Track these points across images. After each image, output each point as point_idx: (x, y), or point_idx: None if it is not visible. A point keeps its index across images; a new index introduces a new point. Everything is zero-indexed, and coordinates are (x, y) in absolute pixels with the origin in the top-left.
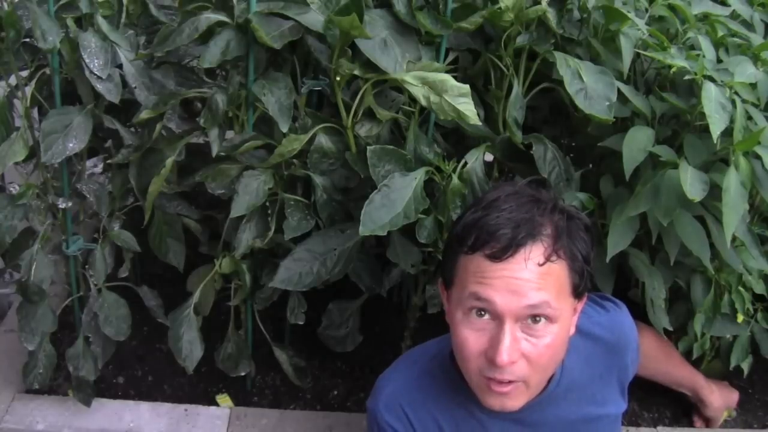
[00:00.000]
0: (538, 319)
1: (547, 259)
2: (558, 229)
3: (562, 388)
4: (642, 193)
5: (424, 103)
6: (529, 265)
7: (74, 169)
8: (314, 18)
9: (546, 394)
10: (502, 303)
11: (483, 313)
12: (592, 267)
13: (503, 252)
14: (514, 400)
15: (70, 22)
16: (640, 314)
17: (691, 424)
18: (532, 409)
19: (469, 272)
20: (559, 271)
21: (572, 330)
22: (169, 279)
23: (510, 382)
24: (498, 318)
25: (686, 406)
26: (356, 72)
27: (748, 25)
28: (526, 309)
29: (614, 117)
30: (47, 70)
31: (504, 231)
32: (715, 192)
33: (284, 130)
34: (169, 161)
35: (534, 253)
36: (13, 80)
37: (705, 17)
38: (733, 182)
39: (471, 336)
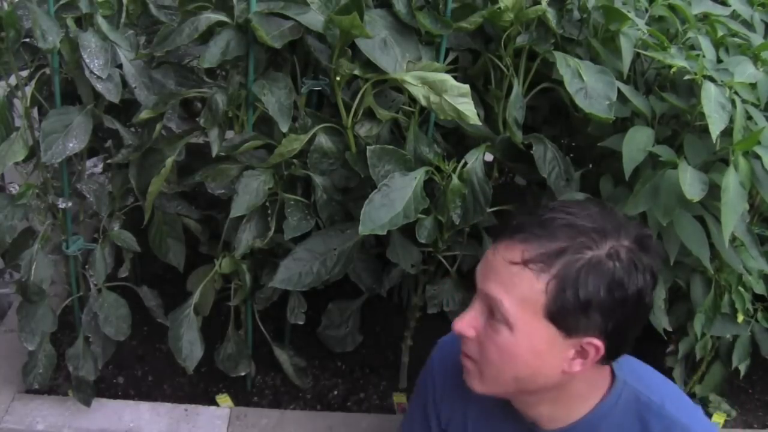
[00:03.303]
0: (495, 314)
1: (523, 263)
2: (568, 251)
3: None
4: (641, 192)
5: (424, 103)
6: (503, 256)
7: (74, 169)
8: (314, 18)
9: (584, 420)
10: (477, 280)
11: None
12: (609, 319)
13: (498, 235)
14: (471, 380)
15: (70, 22)
16: None
17: None
18: None
19: None
20: (534, 284)
21: (574, 368)
22: (169, 279)
23: (467, 358)
24: (478, 294)
25: None
26: (356, 72)
27: (748, 25)
28: (485, 296)
29: (614, 117)
30: (47, 70)
31: (519, 220)
32: (714, 192)
33: (284, 130)
34: (169, 161)
35: (514, 249)
36: (13, 80)
37: (705, 17)
38: (732, 182)
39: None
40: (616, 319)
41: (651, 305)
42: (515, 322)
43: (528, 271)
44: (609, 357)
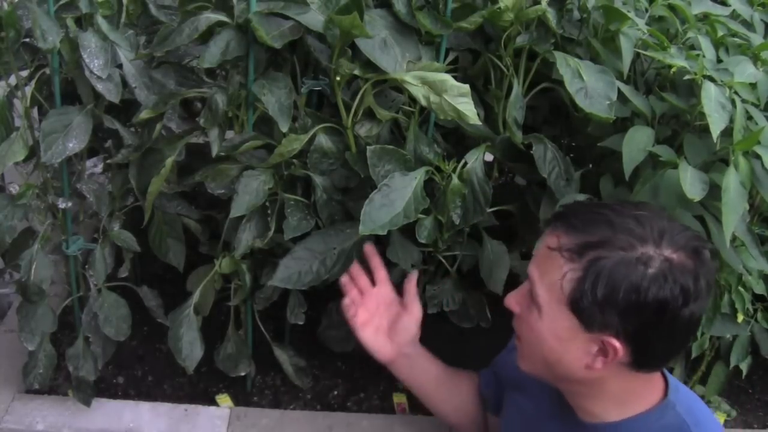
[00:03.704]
0: (534, 296)
1: (557, 249)
2: (604, 246)
3: None
4: (640, 192)
5: (424, 103)
6: (545, 241)
7: (74, 169)
8: (314, 18)
9: (624, 423)
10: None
11: None
12: (627, 323)
13: (548, 221)
14: (518, 356)
15: (70, 22)
16: None
17: None
18: None
19: None
20: (565, 272)
21: (596, 365)
22: (169, 279)
23: (516, 336)
24: None
25: None
26: (356, 72)
27: (748, 25)
28: (529, 276)
29: (614, 117)
30: (47, 70)
31: (573, 209)
32: (714, 192)
33: (284, 130)
34: (169, 161)
35: (555, 236)
36: (13, 80)
37: (705, 17)
38: (732, 182)
39: None
40: (633, 325)
41: (686, 321)
42: (543, 305)
43: (560, 258)
44: (638, 365)
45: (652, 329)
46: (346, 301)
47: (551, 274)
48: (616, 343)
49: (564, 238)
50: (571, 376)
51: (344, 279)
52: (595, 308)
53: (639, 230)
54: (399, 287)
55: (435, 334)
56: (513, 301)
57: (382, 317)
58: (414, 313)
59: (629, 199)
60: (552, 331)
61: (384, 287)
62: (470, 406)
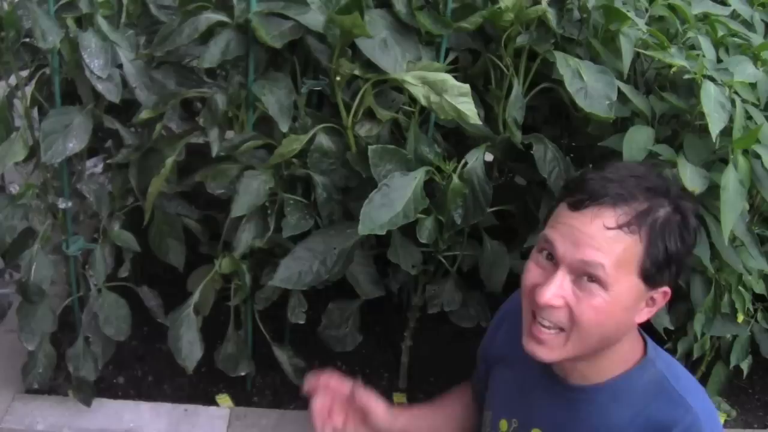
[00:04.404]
0: (592, 278)
1: (618, 227)
2: (650, 209)
3: (607, 396)
4: None
5: (424, 103)
6: (597, 223)
7: (74, 169)
8: (314, 18)
9: (609, 383)
10: (561, 249)
11: (550, 256)
12: (680, 268)
13: (580, 203)
14: (548, 351)
15: (70, 22)
16: None
17: None
18: (584, 395)
19: (553, 216)
20: (630, 245)
21: (641, 318)
22: (169, 279)
23: (551, 329)
24: (557, 263)
25: None
26: (356, 72)
27: (748, 25)
28: (580, 263)
29: (614, 116)
30: (47, 70)
31: (592, 186)
32: (714, 191)
33: (284, 130)
34: (169, 161)
35: (607, 214)
36: (13, 80)
37: (705, 17)
38: (731, 180)
39: (532, 270)
40: (683, 266)
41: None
42: (612, 282)
43: (623, 234)
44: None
45: (687, 264)
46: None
47: (617, 251)
48: (668, 289)
49: (620, 216)
50: (617, 341)
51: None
52: (664, 266)
53: (660, 185)
54: (400, 290)
55: (435, 334)
56: (554, 296)
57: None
58: (378, 410)
59: None
60: (622, 304)
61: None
62: (468, 423)
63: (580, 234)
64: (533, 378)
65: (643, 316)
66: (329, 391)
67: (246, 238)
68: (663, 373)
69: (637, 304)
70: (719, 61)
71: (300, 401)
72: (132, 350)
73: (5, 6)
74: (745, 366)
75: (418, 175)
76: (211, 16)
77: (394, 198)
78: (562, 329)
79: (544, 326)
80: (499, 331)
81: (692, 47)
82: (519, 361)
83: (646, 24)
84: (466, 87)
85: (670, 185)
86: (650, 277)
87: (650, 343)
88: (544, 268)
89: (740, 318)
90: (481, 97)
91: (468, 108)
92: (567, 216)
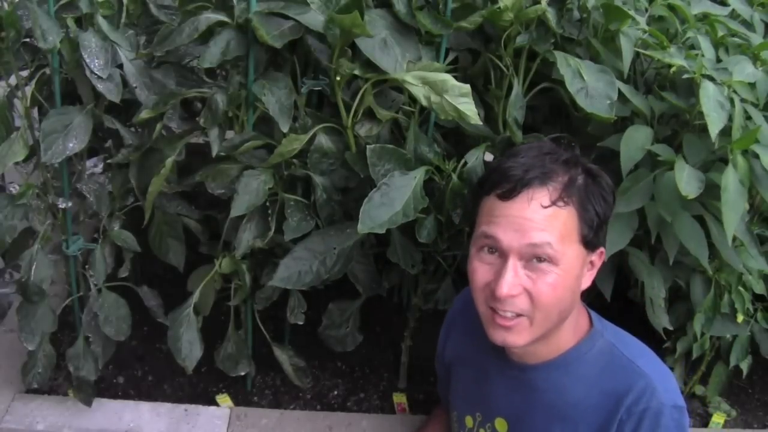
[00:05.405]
0: (541, 258)
1: (553, 203)
2: (571, 179)
3: (573, 366)
4: (633, 190)
5: (424, 102)
6: (533, 205)
7: (74, 169)
8: (314, 17)
9: (560, 358)
10: (506, 240)
11: (492, 250)
12: (607, 226)
13: (511, 192)
14: (517, 336)
15: (70, 22)
16: (639, 314)
17: None
18: (537, 373)
19: (483, 213)
20: (567, 217)
21: (585, 283)
22: (169, 279)
23: (515, 316)
24: (504, 255)
25: None
26: (356, 72)
27: (748, 25)
28: (528, 247)
29: (615, 116)
30: (47, 70)
31: (514, 173)
32: (714, 191)
33: (284, 130)
34: (169, 161)
35: (539, 194)
36: (13, 80)
37: (704, 17)
38: (731, 181)
39: (480, 268)
40: (607, 216)
41: None
42: (561, 257)
43: (558, 209)
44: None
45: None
46: None
47: (558, 226)
48: (603, 249)
49: (545, 192)
50: (570, 312)
51: None
52: (599, 227)
53: (568, 156)
54: (399, 287)
55: (435, 334)
56: (511, 286)
57: None
58: None
59: (619, 197)
60: (572, 273)
61: None
62: None
63: (520, 220)
64: (488, 369)
65: (587, 281)
66: None
67: (246, 238)
68: (611, 342)
69: (584, 269)
70: (719, 60)
71: (300, 401)
72: (132, 350)
73: (5, 6)
74: (745, 366)
75: (418, 175)
76: (211, 16)
77: (393, 197)
78: (524, 315)
79: (507, 317)
80: (450, 336)
81: (692, 47)
82: (473, 356)
83: (646, 24)
84: (467, 87)
85: (575, 153)
86: (589, 241)
87: (594, 315)
88: (492, 264)
89: (740, 318)
90: (481, 97)
91: (468, 108)
92: (501, 207)
